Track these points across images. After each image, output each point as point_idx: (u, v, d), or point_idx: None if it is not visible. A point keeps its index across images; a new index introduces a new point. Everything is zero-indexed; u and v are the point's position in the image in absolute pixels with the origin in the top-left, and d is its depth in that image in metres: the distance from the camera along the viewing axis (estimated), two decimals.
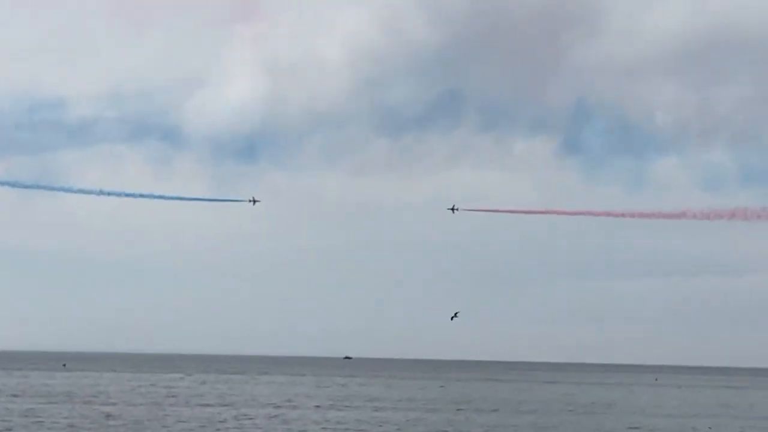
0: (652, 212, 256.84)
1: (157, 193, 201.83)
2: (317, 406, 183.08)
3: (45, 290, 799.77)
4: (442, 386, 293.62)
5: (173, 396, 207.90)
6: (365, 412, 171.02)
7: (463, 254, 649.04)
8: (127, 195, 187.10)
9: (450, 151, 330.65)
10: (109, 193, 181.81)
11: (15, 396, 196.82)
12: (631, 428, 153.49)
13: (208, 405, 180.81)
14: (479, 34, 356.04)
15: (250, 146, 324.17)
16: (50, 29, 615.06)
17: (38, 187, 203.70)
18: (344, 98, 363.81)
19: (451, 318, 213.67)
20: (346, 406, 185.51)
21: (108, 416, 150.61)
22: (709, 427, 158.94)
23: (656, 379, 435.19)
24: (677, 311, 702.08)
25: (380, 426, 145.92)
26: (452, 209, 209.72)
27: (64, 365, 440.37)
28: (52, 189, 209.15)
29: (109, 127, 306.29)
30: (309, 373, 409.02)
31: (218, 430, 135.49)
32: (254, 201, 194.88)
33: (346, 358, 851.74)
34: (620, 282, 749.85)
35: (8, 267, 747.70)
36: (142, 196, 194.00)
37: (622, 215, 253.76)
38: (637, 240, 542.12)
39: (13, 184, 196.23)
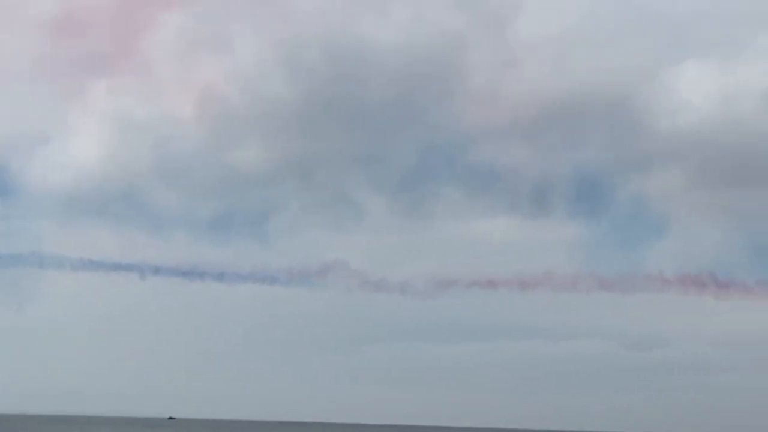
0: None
1: None
2: None
3: None
4: None
5: None
6: None
7: (291, 314, 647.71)
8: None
9: (294, 214, 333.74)
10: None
11: None
12: None
13: None
14: (337, 93, 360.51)
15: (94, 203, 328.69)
16: None
17: None
18: (192, 156, 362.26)
19: None
20: None
21: None
22: None
23: None
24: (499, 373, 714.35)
25: None
26: None
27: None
28: None
29: None
30: None
31: None
32: None
33: (170, 418, 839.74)
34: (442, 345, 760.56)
35: None
36: None
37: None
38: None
39: None
